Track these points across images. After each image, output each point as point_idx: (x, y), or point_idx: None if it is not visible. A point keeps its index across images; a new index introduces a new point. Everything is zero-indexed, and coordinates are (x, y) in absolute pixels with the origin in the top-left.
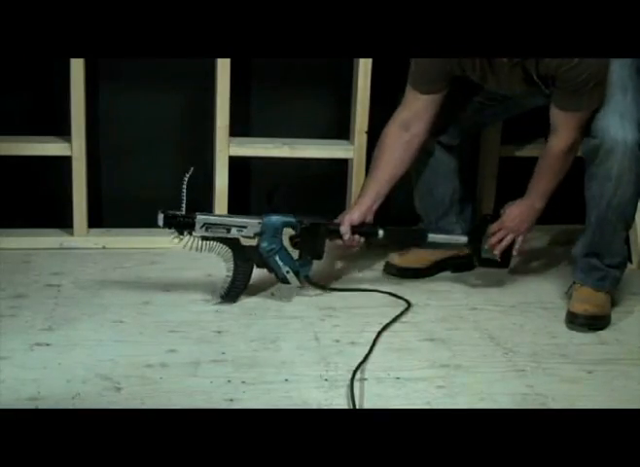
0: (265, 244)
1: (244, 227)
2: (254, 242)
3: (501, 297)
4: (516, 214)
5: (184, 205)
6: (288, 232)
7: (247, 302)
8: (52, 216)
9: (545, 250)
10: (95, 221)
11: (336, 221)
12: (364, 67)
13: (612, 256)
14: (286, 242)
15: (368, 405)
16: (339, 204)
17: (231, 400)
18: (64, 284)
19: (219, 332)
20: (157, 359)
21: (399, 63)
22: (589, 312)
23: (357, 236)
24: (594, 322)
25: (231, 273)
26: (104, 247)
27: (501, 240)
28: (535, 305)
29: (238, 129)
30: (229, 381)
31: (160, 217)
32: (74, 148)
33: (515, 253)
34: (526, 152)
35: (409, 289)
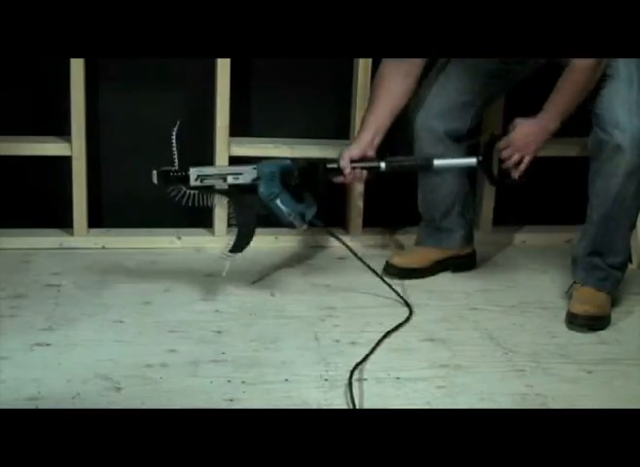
0: (262, 189)
1: (240, 174)
2: None
3: (501, 297)
4: (526, 132)
5: (176, 160)
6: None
7: (247, 302)
8: (52, 216)
9: (545, 250)
10: (95, 221)
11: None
12: (364, 67)
13: (615, 255)
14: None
15: (368, 405)
16: (340, 204)
17: (231, 400)
18: (64, 284)
19: (219, 332)
20: (157, 359)
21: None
22: (589, 313)
23: (358, 171)
24: (594, 323)
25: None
26: (104, 247)
27: (509, 158)
28: (535, 305)
29: (238, 129)
30: (229, 381)
31: (154, 174)
32: (74, 148)
33: (514, 176)
34: None
35: (409, 289)
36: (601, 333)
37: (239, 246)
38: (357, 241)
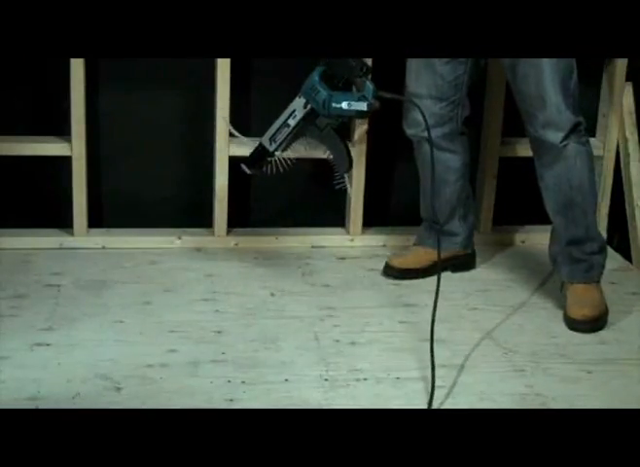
0: (315, 106)
1: (293, 110)
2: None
3: (501, 297)
4: None
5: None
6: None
7: (247, 302)
8: (52, 216)
9: (545, 250)
10: (95, 221)
11: None
12: None
13: (591, 241)
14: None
15: (368, 405)
16: (340, 204)
17: (231, 400)
18: (64, 284)
19: (219, 332)
20: (157, 359)
21: (398, 63)
22: (588, 317)
23: None
24: (595, 324)
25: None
26: (104, 247)
27: None
28: (535, 306)
29: (238, 129)
30: (229, 381)
31: (244, 167)
32: (74, 148)
33: None
34: (526, 152)
35: (409, 289)
36: (601, 333)
37: (348, 162)
38: (358, 241)
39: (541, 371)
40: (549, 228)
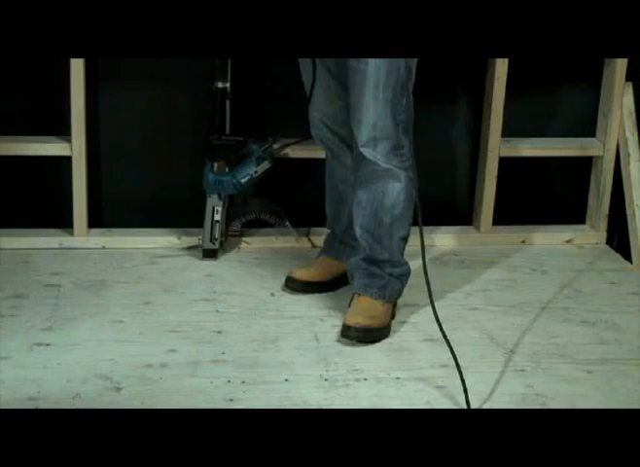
0: (228, 189)
1: (213, 208)
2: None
3: (501, 297)
4: None
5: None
6: None
7: (247, 302)
8: (52, 216)
9: (545, 250)
10: (95, 221)
11: None
12: None
13: (392, 265)
14: None
15: (368, 405)
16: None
17: (231, 400)
18: (64, 284)
19: (219, 332)
20: (157, 359)
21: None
22: (360, 324)
23: None
24: (366, 334)
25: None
26: (104, 247)
27: None
28: (535, 305)
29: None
30: (229, 381)
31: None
32: (74, 148)
33: None
34: (526, 152)
35: (409, 289)
36: (601, 333)
37: (281, 213)
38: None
39: (541, 371)
40: (549, 228)
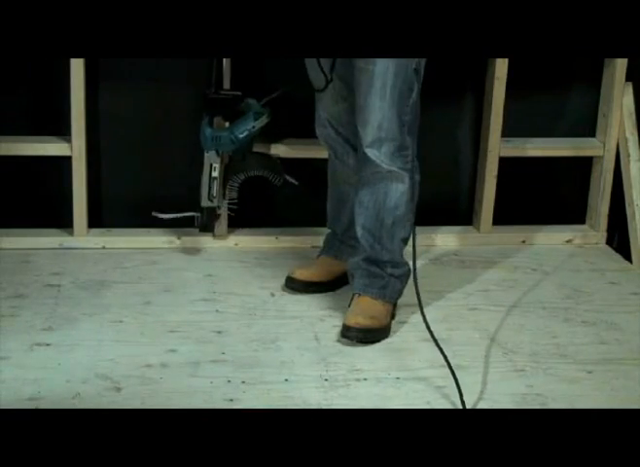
0: (225, 145)
1: (211, 164)
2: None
3: (501, 297)
4: None
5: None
6: None
7: (247, 302)
8: (52, 216)
9: (545, 250)
10: (95, 221)
11: None
12: None
13: (393, 266)
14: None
15: (368, 405)
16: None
17: (231, 400)
18: (64, 284)
19: (219, 332)
20: (157, 359)
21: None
22: (361, 324)
23: None
24: (366, 334)
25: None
26: (104, 247)
27: None
28: (535, 305)
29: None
30: (229, 381)
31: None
32: (74, 148)
33: None
34: (526, 152)
35: (409, 289)
36: (601, 333)
37: (279, 167)
38: None
39: (541, 371)
40: (549, 228)
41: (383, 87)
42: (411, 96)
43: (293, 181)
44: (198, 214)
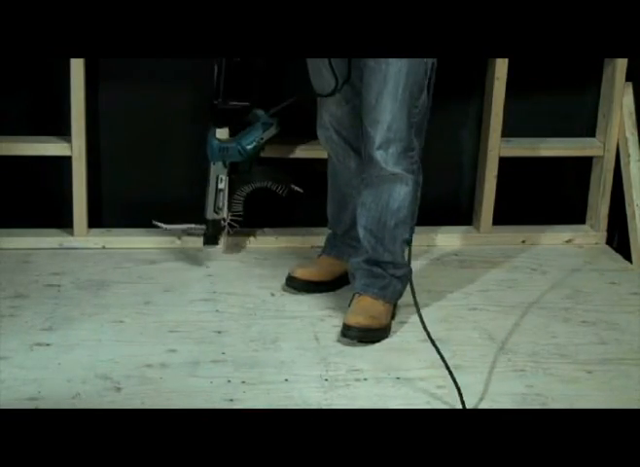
0: (233, 157)
1: (217, 176)
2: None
3: (501, 297)
4: None
5: None
6: None
7: (247, 301)
8: (52, 216)
9: (545, 250)
10: (95, 221)
11: None
12: None
13: (395, 267)
14: None
15: (368, 405)
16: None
17: (231, 400)
18: (64, 284)
19: (219, 332)
20: (157, 359)
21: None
22: (362, 325)
23: None
24: (366, 334)
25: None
26: (104, 247)
27: None
28: (535, 305)
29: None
30: (229, 381)
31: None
32: (74, 148)
33: None
34: (526, 152)
35: (408, 289)
36: (601, 333)
37: (286, 177)
38: None
39: (541, 371)
40: (549, 228)
41: (395, 87)
42: (421, 97)
43: (298, 189)
44: (202, 227)
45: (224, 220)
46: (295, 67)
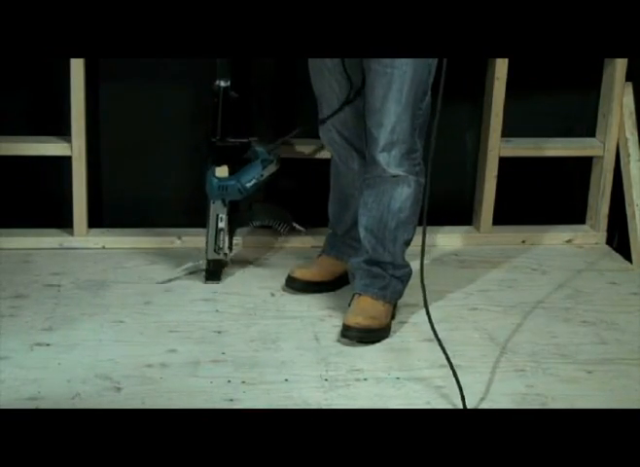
0: (233, 195)
1: (217, 215)
2: None
3: (501, 297)
4: None
5: None
6: None
7: (247, 301)
8: (52, 216)
9: (545, 250)
10: (95, 221)
11: None
12: None
13: (394, 267)
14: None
15: (368, 405)
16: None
17: (231, 400)
18: (64, 284)
19: (219, 332)
20: (157, 359)
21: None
22: (362, 325)
23: None
24: (365, 334)
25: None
26: (104, 247)
27: None
28: (535, 305)
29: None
30: (229, 381)
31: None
32: (74, 148)
33: None
34: (526, 152)
35: (409, 289)
36: (601, 333)
37: (287, 217)
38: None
39: (541, 371)
40: (549, 228)
41: (400, 90)
42: (425, 99)
43: (300, 228)
44: (203, 266)
45: (225, 255)
46: (293, 101)
